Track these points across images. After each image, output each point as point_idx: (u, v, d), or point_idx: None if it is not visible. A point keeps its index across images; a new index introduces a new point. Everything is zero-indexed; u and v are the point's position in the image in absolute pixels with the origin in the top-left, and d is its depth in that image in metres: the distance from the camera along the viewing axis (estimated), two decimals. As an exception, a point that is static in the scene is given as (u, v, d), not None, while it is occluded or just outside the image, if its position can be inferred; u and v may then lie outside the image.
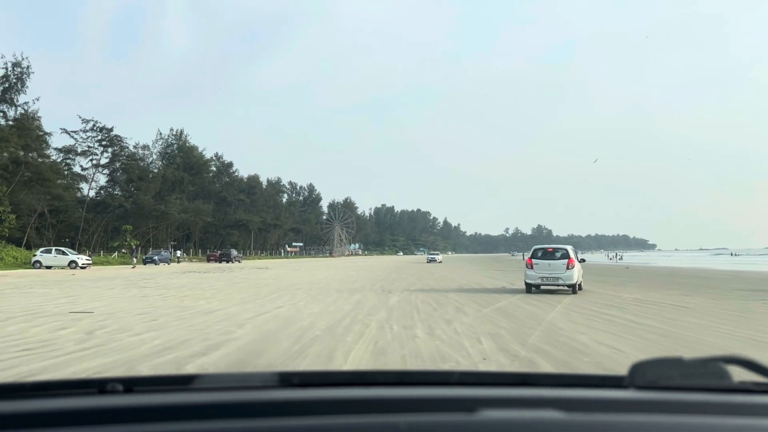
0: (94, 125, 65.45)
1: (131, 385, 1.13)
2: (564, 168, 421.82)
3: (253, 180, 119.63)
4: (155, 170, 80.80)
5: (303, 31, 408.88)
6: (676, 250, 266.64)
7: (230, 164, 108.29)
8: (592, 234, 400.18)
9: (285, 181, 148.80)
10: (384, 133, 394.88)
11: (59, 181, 60.94)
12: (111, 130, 67.14)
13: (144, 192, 71.98)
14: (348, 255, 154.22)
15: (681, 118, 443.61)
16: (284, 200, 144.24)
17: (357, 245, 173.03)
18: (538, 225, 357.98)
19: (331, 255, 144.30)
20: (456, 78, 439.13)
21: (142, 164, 77.08)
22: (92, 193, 70.46)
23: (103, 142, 67.52)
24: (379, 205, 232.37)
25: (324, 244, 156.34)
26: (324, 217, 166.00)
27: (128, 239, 60.53)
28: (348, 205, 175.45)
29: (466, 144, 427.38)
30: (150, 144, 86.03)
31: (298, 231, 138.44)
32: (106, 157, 69.51)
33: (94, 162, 68.13)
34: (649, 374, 1.14)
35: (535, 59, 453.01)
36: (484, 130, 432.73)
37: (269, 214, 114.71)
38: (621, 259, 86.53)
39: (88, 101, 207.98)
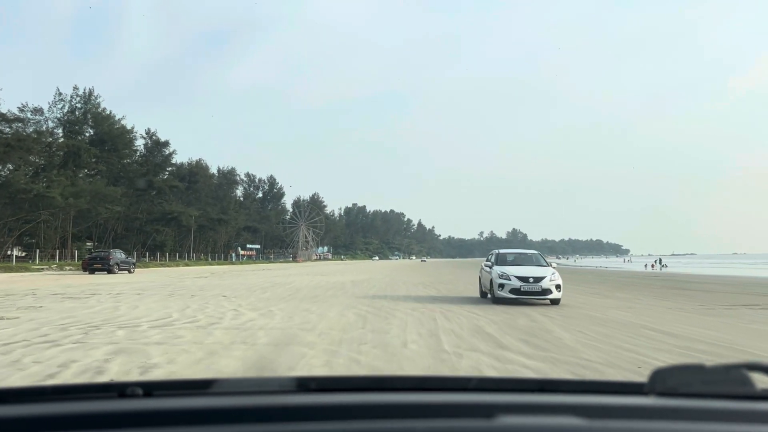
0: None
1: (151, 389, 1.12)
2: (538, 172, 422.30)
3: (197, 166, 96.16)
4: (50, 139, 57.47)
5: (274, 33, 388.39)
6: (649, 255, 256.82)
7: (165, 143, 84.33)
8: (566, 239, 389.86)
9: (242, 172, 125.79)
10: (357, 134, 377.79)
11: None
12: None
13: (16, 167, 48.89)
14: (315, 259, 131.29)
15: (651, 125, 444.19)
16: (239, 194, 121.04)
17: (325, 248, 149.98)
18: (513, 229, 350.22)
19: (294, 259, 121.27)
20: (428, 82, 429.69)
21: (24, 130, 53.56)
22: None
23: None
24: (350, 205, 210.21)
25: (287, 247, 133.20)
26: (287, 216, 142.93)
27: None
28: (315, 203, 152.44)
29: (440, 146, 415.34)
30: (46, 108, 62.73)
31: (254, 231, 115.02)
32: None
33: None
34: (669, 381, 1.10)
35: (508, 65, 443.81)
36: (459, 134, 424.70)
37: (214, 207, 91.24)
38: (665, 267, 65.84)
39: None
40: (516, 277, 14.41)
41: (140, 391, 1.10)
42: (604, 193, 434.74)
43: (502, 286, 14.44)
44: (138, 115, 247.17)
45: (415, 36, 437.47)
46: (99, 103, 70.55)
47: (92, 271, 35.27)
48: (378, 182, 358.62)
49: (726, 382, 1.09)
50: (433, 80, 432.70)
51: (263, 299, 15.08)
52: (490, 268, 15.49)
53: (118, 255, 37.64)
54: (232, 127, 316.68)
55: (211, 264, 73.87)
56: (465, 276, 35.65)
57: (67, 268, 41.77)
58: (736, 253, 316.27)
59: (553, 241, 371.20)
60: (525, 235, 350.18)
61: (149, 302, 14.20)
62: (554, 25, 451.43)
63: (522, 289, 14.21)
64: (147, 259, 68.83)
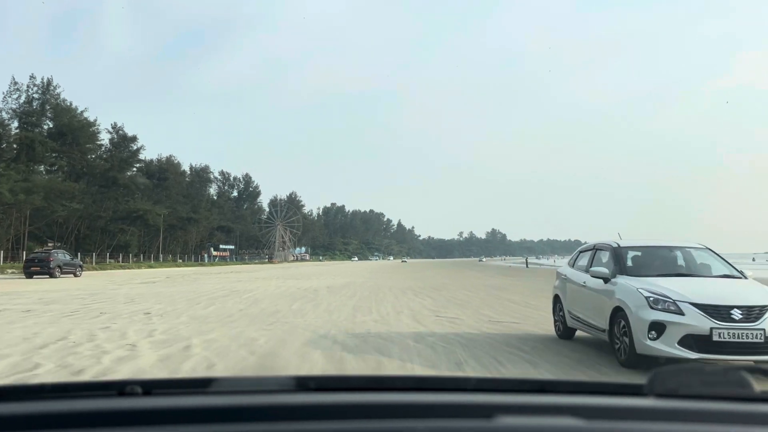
0: None
1: (150, 387, 1.13)
2: (516, 173, 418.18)
3: (167, 163, 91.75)
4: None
5: (253, 31, 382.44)
6: None
7: (133, 138, 79.72)
8: (545, 239, 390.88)
9: (216, 170, 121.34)
10: (337, 133, 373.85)
11: None
12: None
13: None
14: (292, 260, 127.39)
15: (628, 127, 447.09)
16: (213, 192, 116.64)
17: (303, 249, 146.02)
18: (492, 229, 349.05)
19: (270, 260, 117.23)
20: (408, 82, 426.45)
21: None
22: None
23: None
24: (329, 205, 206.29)
25: (263, 248, 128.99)
26: (264, 216, 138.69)
27: None
28: (293, 202, 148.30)
29: (421, 146, 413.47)
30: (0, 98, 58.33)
31: (228, 230, 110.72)
32: None
33: None
34: (669, 382, 1.10)
35: (486, 66, 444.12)
36: (440, 134, 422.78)
37: (185, 206, 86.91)
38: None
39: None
40: (695, 306, 6.42)
41: (139, 390, 1.10)
42: (582, 194, 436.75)
43: (658, 328, 6.42)
44: (113, 113, 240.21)
45: (395, 35, 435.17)
46: (59, 94, 66.26)
47: (30, 275, 30.91)
48: (358, 182, 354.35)
49: (725, 383, 1.09)
50: (412, 80, 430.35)
51: (197, 319, 10.92)
52: (608, 281, 7.47)
53: (61, 256, 33.09)
54: (208, 125, 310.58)
55: (179, 266, 69.71)
56: (456, 279, 32.29)
57: (9, 271, 37.52)
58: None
59: (532, 241, 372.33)
60: (504, 236, 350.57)
61: (16, 328, 9.79)
62: (539, 26, 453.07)
63: (718, 337, 6.21)
64: (114, 261, 64.59)
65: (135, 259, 68.63)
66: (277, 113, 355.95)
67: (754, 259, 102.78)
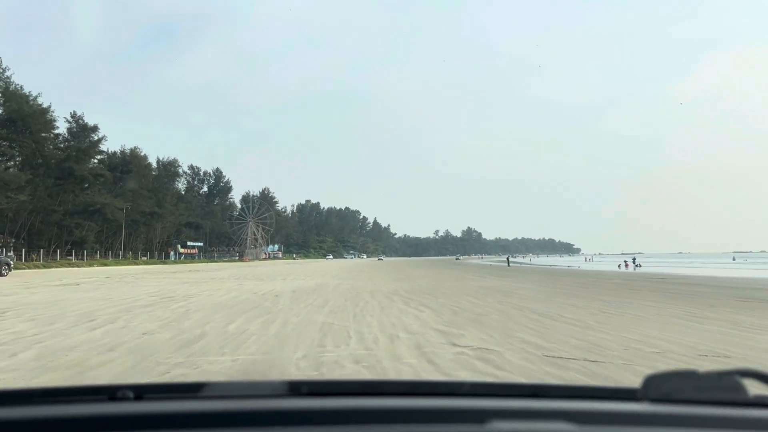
0: None
1: (142, 392, 1.13)
2: (491, 172, 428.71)
3: (131, 155, 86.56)
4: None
5: (225, 28, 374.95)
6: (600, 254, 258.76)
7: (94, 128, 74.43)
8: (519, 237, 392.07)
9: (185, 164, 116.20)
10: (312, 130, 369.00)
11: None
12: None
13: None
14: (264, 258, 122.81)
15: (598, 127, 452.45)
16: (181, 187, 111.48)
17: (276, 246, 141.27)
18: (468, 227, 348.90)
19: (241, 258, 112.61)
20: (384, 80, 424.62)
21: None
22: None
23: None
24: (303, 202, 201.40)
25: (234, 245, 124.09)
26: (235, 213, 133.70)
27: None
28: (266, 198, 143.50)
29: (397, 144, 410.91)
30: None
31: (197, 227, 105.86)
32: None
33: None
34: (662, 387, 1.11)
35: (461, 65, 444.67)
36: (416, 132, 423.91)
37: (149, 200, 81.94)
38: (639, 266, 61.21)
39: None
40: None
41: (131, 395, 1.09)
42: (556, 193, 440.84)
43: None
44: (83, 109, 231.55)
45: (369, 33, 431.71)
46: (9, 77, 60.98)
47: None
48: (333, 179, 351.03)
49: (719, 388, 1.08)
50: (388, 78, 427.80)
51: (44, 357, 6.84)
52: None
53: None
54: (180, 121, 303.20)
55: (138, 263, 64.99)
56: (445, 279, 28.28)
57: None
58: (681, 252, 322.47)
59: (507, 239, 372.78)
60: (480, 234, 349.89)
61: None
62: (516, 26, 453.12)
63: None
64: (67, 258, 59.65)
65: (93, 257, 63.71)
66: (251, 109, 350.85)
67: (734, 259, 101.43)
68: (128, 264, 60.32)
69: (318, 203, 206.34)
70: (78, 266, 48.37)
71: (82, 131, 72.87)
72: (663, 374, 1.12)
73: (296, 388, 1.15)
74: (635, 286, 23.89)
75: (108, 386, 1.12)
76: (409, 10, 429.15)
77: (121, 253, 72.22)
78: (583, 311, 12.46)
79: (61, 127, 70.11)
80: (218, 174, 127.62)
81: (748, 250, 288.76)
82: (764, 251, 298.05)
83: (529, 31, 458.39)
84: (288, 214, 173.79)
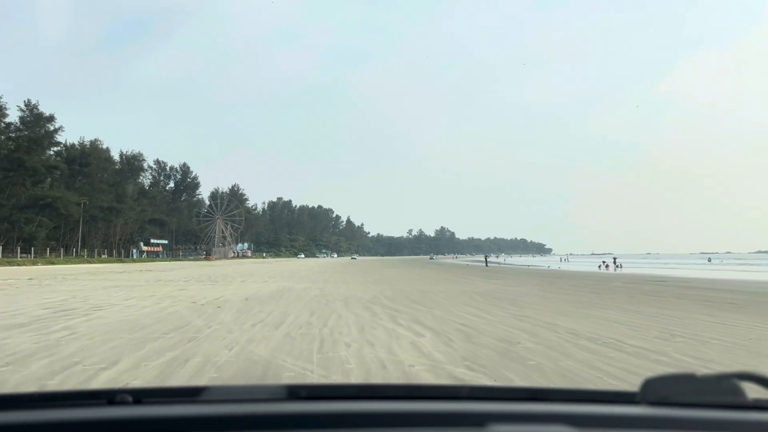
0: None
1: (141, 396, 1.13)
2: (464, 172, 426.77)
3: (91, 148, 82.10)
4: None
5: (194, 26, 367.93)
6: (571, 254, 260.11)
7: (50, 118, 69.90)
8: (492, 237, 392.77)
9: (150, 159, 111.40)
10: (285, 128, 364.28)
11: None
12: None
13: None
14: (232, 257, 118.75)
15: (570, 128, 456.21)
16: (146, 182, 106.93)
17: (246, 245, 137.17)
18: (441, 227, 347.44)
19: (207, 257, 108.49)
20: (356, 77, 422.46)
21: None
22: None
23: None
24: (275, 199, 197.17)
25: (201, 243, 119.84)
26: (204, 210, 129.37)
27: None
28: (235, 195, 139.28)
29: (371, 142, 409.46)
30: None
31: (162, 224, 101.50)
32: None
33: None
34: (661, 390, 1.11)
35: (435, 62, 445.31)
36: (390, 130, 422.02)
37: (108, 195, 77.58)
38: (620, 267, 59.28)
39: None
40: None
41: (130, 398, 1.09)
42: (528, 194, 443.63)
43: None
44: (53, 106, 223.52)
45: (345, 32, 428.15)
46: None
47: None
48: (306, 177, 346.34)
49: (717, 391, 1.08)
50: (363, 77, 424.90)
51: None
52: None
53: None
54: (150, 116, 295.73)
55: (93, 262, 60.83)
56: (429, 283, 24.80)
57: None
58: (649, 253, 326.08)
59: (480, 239, 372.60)
60: (453, 234, 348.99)
61: None
62: (486, 26, 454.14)
63: None
64: (11, 256, 55.31)
65: (43, 255, 59.42)
66: (224, 106, 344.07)
67: (710, 260, 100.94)
68: (80, 263, 56.30)
69: (290, 201, 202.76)
70: (21, 264, 44.41)
71: (36, 121, 68.47)
72: (661, 377, 1.11)
73: (295, 392, 1.15)
74: (660, 292, 18.31)
75: (107, 390, 1.13)
76: (387, 5, 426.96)
77: (74, 250, 67.84)
78: (647, 333, 8.76)
79: (13, 116, 65.89)
80: (185, 169, 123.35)
81: (714, 251, 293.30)
82: (729, 252, 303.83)
83: (508, 33, 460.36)
84: (259, 212, 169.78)
